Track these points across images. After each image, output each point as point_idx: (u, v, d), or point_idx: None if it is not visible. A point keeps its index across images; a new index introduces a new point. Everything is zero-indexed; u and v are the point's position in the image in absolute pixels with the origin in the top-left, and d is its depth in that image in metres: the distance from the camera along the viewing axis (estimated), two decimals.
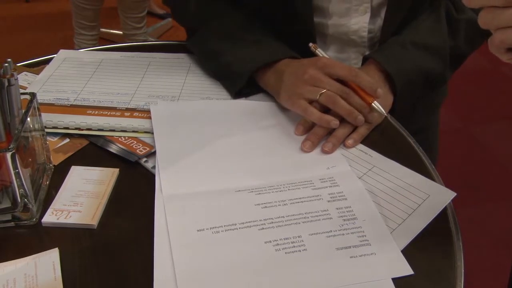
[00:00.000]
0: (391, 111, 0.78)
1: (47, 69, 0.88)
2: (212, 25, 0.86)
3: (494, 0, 0.46)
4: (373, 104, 0.71)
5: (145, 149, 0.70)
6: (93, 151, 0.71)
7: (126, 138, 0.72)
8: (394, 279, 0.53)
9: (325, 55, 0.78)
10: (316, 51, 0.79)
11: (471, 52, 0.87)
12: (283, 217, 0.59)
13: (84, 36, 2.36)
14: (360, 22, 0.83)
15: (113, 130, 0.73)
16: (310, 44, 0.79)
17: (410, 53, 0.80)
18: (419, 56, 0.80)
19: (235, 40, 0.83)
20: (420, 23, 0.83)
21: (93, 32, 2.36)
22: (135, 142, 0.71)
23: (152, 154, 0.69)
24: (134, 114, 0.76)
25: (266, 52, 0.80)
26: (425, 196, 0.63)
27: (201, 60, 0.89)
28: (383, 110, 0.72)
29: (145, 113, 0.76)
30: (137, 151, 0.69)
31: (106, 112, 0.76)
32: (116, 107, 0.78)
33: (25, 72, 0.87)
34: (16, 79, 0.59)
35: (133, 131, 0.73)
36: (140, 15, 2.42)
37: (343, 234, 0.57)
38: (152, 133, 0.72)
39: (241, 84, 0.80)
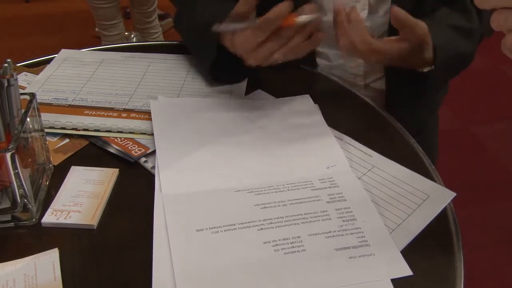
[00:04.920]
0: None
1: (47, 69, 0.88)
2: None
3: (507, 1, 0.44)
4: (296, 20, 0.68)
5: (141, 150, 0.70)
6: (92, 151, 0.71)
7: (122, 139, 0.72)
8: (393, 279, 0.53)
9: (232, 27, 0.72)
10: (221, 29, 0.72)
11: (489, 36, 0.86)
12: (282, 217, 0.59)
13: (108, 37, 2.38)
14: None
15: (110, 131, 0.73)
16: (214, 27, 0.72)
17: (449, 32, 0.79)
18: (457, 38, 0.79)
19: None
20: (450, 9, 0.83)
21: (115, 31, 2.37)
22: (131, 143, 0.71)
23: (151, 154, 0.69)
24: (131, 115, 0.76)
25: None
26: (424, 197, 0.63)
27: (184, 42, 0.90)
28: (308, 16, 0.68)
29: (143, 114, 0.76)
30: (132, 152, 0.69)
31: (104, 113, 0.76)
32: (113, 108, 0.78)
33: (24, 72, 0.87)
34: (16, 79, 0.59)
35: (130, 132, 0.73)
36: (149, 10, 2.46)
37: (342, 235, 0.57)
38: (149, 135, 0.72)
39: (213, 43, 0.77)
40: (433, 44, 0.76)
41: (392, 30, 0.83)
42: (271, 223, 0.59)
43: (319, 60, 0.91)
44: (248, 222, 0.59)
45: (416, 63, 0.80)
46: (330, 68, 0.91)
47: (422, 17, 0.82)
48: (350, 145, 0.72)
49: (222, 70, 0.82)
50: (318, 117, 0.76)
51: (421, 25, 0.74)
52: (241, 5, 0.72)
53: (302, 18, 0.68)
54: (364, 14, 0.83)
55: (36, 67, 0.89)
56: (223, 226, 0.58)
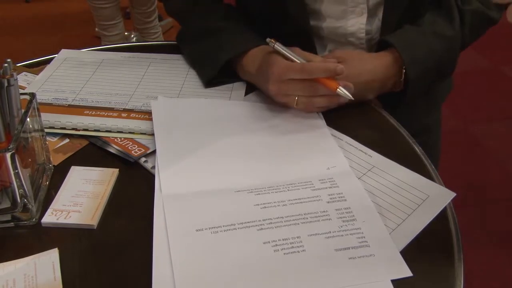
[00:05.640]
0: (401, 99, 0.79)
1: (47, 69, 0.88)
2: (193, 18, 0.89)
3: None
4: (338, 90, 0.71)
5: (140, 150, 0.70)
6: (92, 151, 0.71)
7: (122, 139, 0.72)
8: (393, 279, 0.53)
9: (283, 50, 0.75)
10: (275, 46, 0.75)
11: (472, 43, 0.87)
12: (282, 217, 0.59)
13: (108, 37, 2.39)
14: (357, 23, 0.83)
15: (110, 131, 0.73)
16: (268, 40, 0.76)
17: (426, 40, 0.80)
18: (434, 43, 0.80)
19: (214, 31, 0.85)
20: (433, 14, 0.83)
21: (115, 31, 2.38)
22: (131, 143, 0.71)
23: (151, 154, 0.69)
24: (131, 115, 0.76)
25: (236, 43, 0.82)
26: (424, 197, 0.63)
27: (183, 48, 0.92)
28: (349, 94, 0.71)
29: (142, 114, 0.76)
30: (132, 152, 0.69)
31: (104, 113, 0.76)
32: (113, 108, 0.78)
33: (24, 72, 0.87)
34: (16, 79, 0.59)
35: (130, 132, 0.73)
36: (149, 10, 2.47)
37: (342, 235, 0.57)
38: (148, 135, 0.72)
39: (215, 70, 0.81)
40: (402, 62, 0.77)
41: (384, 33, 0.83)
42: (271, 223, 0.59)
43: None
44: (248, 222, 0.59)
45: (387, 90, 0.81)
46: None
47: (416, 19, 0.82)
48: (350, 145, 0.72)
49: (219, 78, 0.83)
50: (318, 117, 0.76)
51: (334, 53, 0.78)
52: (314, 60, 0.75)
53: (344, 92, 0.71)
54: (363, 18, 0.83)
55: (36, 67, 0.89)
56: (223, 226, 0.58)
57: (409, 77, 0.77)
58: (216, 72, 0.81)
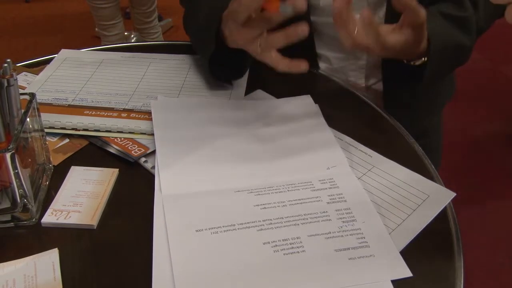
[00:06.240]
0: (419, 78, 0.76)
1: (47, 69, 0.88)
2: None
3: None
4: (281, 10, 0.62)
5: (140, 150, 0.70)
6: (92, 151, 0.71)
7: (122, 139, 0.72)
8: (393, 280, 0.53)
9: None
10: None
11: (487, 28, 0.85)
12: (282, 218, 0.59)
13: (108, 37, 2.39)
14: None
15: (110, 131, 0.73)
16: None
17: (446, 23, 0.77)
18: (451, 27, 0.78)
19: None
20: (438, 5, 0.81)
21: (115, 31, 2.38)
22: (131, 143, 0.71)
23: (151, 154, 0.69)
24: (131, 115, 0.76)
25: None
26: (424, 197, 0.63)
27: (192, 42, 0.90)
28: (289, 9, 0.62)
29: (142, 114, 0.76)
30: (132, 152, 0.69)
31: (104, 113, 0.76)
32: (113, 108, 0.78)
33: (24, 72, 0.87)
34: (16, 79, 0.59)
35: (130, 132, 0.73)
36: (149, 10, 2.47)
37: (342, 236, 0.57)
38: (148, 135, 0.72)
39: (212, 39, 0.76)
40: (427, 32, 0.73)
41: None
42: (271, 223, 0.59)
43: (320, 63, 0.91)
44: (248, 223, 0.59)
45: (411, 53, 0.76)
46: (331, 71, 0.91)
47: None
48: (350, 145, 0.72)
49: (222, 67, 0.81)
50: (319, 117, 0.76)
51: (423, 10, 0.69)
52: None
53: (287, 8, 0.62)
54: None
55: (36, 67, 0.89)
56: (223, 226, 0.58)
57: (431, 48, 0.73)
58: (213, 45, 0.76)
